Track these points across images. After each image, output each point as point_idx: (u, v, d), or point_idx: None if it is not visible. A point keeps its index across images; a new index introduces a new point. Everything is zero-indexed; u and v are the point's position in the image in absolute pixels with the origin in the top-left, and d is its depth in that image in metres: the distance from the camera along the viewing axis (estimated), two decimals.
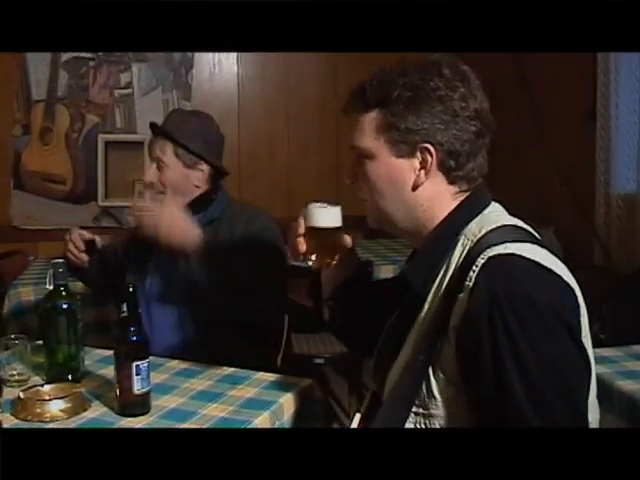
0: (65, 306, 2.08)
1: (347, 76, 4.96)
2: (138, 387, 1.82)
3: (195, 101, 5.13)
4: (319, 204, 1.72)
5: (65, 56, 5.07)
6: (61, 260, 2.11)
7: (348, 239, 1.76)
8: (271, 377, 2.11)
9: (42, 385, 2.01)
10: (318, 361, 3.63)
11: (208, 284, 2.38)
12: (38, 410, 1.85)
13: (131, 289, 1.83)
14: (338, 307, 1.86)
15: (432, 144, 1.47)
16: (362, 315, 1.84)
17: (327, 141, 5.18)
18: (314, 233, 1.72)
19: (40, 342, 2.20)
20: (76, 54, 5.06)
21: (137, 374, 1.82)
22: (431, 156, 1.48)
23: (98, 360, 2.29)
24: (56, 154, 5.13)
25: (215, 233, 2.56)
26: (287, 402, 1.95)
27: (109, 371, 2.14)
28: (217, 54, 5.20)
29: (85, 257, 2.60)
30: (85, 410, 1.87)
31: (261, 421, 1.82)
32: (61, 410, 1.85)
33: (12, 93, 5.12)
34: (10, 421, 1.81)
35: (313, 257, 1.73)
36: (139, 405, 1.83)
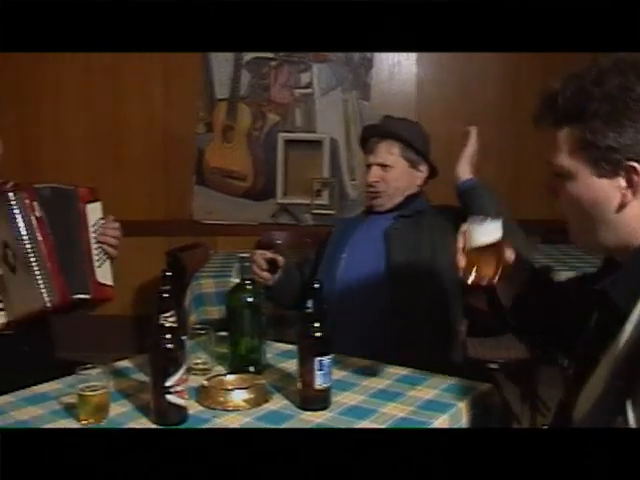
0: (250, 300, 2.13)
1: (529, 77, 4.85)
2: (319, 382, 1.84)
3: (374, 101, 5.15)
4: (480, 218, 1.69)
5: (247, 56, 5.20)
6: (247, 255, 2.16)
7: (509, 253, 1.71)
8: (450, 380, 2.08)
9: (225, 375, 2.06)
10: (492, 366, 3.56)
11: (411, 280, 2.49)
12: (221, 399, 1.89)
13: (316, 285, 1.85)
14: (520, 312, 1.82)
15: (638, 162, 1.34)
16: (546, 317, 1.79)
17: (506, 144, 5.07)
18: (473, 249, 1.68)
19: (224, 333, 2.27)
20: (258, 54, 5.18)
21: (319, 369, 1.83)
22: (637, 175, 1.34)
23: (278, 353, 2.34)
24: (237, 151, 5.27)
25: (413, 223, 2.65)
26: (465, 405, 1.92)
27: (289, 365, 2.18)
28: (397, 54, 5.19)
29: (268, 275, 2.67)
30: (266, 402, 1.90)
31: (440, 423, 1.80)
32: (244, 400, 1.89)
33: (196, 92, 5.31)
34: (194, 408, 1.87)
35: (473, 274, 1.69)
36: (319, 400, 1.84)
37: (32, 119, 5.23)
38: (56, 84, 5.22)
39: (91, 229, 2.55)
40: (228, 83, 5.29)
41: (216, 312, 3.72)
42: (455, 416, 1.86)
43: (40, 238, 2.36)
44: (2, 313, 2.40)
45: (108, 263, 2.60)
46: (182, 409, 1.78)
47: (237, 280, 2.16)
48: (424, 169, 2.75)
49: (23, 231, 2.35)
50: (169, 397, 1.74)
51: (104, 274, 2.57)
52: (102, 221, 2.59)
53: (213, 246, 4.98)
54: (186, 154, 5.30)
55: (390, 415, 1.83)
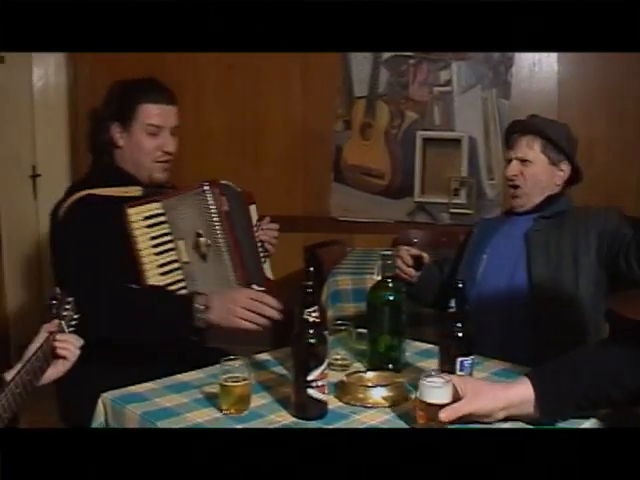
0: (391, 297, 2.12)
1: None
2: None
3: (514, 100, 5.05)
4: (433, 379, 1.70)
5: (386, 54, 5.19)
6: (390, 252, 2.15)
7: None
8: None
9: (365, 372, 2.07)
10: None
11: (552, 282, 2.48)
12: (361, 395, 1.90)
13: (460, 285, 1.84)
14: None
15: None
16: None
17: None
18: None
19: (362, 330, 2.27)
20: (397, 52, 5.16)
21: (461, 370, 1.82)
22: None
23: (417, 352, 2.33)
24: (375, 149, 5.28)
25: (555, 225, 2.62)
26: (602, 414, 1.85)
27: (428, 364, 2.17)
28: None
29: (412, 272, 2.70)
30: (406, 400, 1.89)
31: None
32: (383, 397, 1.89)
33: (334, 90, 5.34)
34: (333, 403, 1.88)
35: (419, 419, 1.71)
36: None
37: None
38: (197, 81, 5.36)
39: (254, 227, 2.73)
40: (367, 81, 5.29)
41: (352, 309, 3.74)
42: (592, 424, 1.79)
43: (229, 231, 2.50)
44: None
45: (267, 260, 2.78)
46: (322, 404, 1.80)
47: (379, 277, 2.15)
48: (566, 169, 2.70)
49: (217, 222, 2.48)
50: (310, 391, 1.76)
51: (267, 269, 2.77)
52: (259, 222, 2.76)
53: (350, 243, 5.00)
54: (324, 151, 5.34)
55: None
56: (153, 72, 2.69)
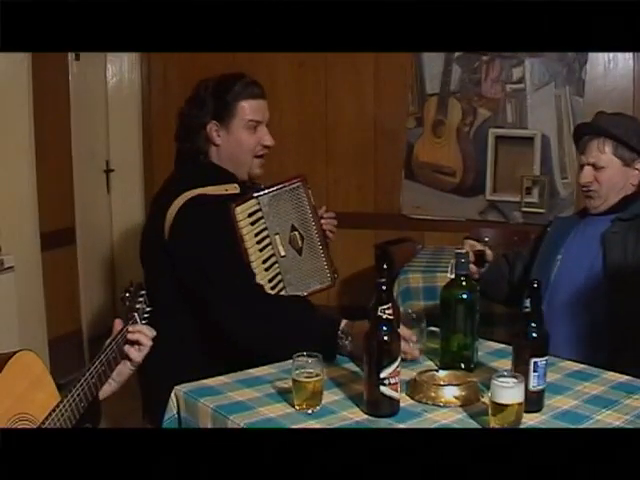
0: (464, 296, 2.12)
1: None
2: (534, 384, 1.81)
3: (588, 97, 4.96)
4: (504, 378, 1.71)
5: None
6: (464, 251, 2.15)
7: None
8: None
9: (437, 370, 2.07)
10: None
11: (631, 286, 2.44)
12: (433, 394, 1.90)
13: (535, 285, 1.82)
14: None
15: None
16: None
17: None
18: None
19: (434, 329, 2.27)
20: None
21: (534, 371, 1.80)
22: None
23: (489, 352, 2.31)
24: (447, 147, 5.25)
25: (633, 227, 2.56)
26: None
27: (500, 364, 2.15)
28: None
29: (474, 268, 2.69)
30: (478, 400, 1.89)
31: None
32: (455, 397, 1.88)
33: (407, 87, 5.32)
34: (405, 401, 1.88)
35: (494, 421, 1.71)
36: (533, 402, 1.80)
37: None
38: (270, 79, 5.38)
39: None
40: (439, 78, 5.26)
41: (422, 307, 3.73)
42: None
43: (318, 224, 2.64)
44: (283, 292, 2.58)
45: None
46: (394, 401, 1.80)
47: (452, 276, 2.14)
48: None
49: (311, 216, 2.62)
50: (383, 389, 1.77)
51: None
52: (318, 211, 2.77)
53: (420, 241, 4.98)
54: (396, 148, 5.33)
55: (605, 423, 1.77)
56: (226, 71, 2.72)
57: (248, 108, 2.56)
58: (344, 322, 2.23)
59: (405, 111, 5.33)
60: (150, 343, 1.96)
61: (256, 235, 2.51)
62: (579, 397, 1.94)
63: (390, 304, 1.79)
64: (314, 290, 2.67)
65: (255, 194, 2.54)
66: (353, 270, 5.03)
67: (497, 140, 5.13)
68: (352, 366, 2.17)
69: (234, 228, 2.45)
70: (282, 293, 2.56)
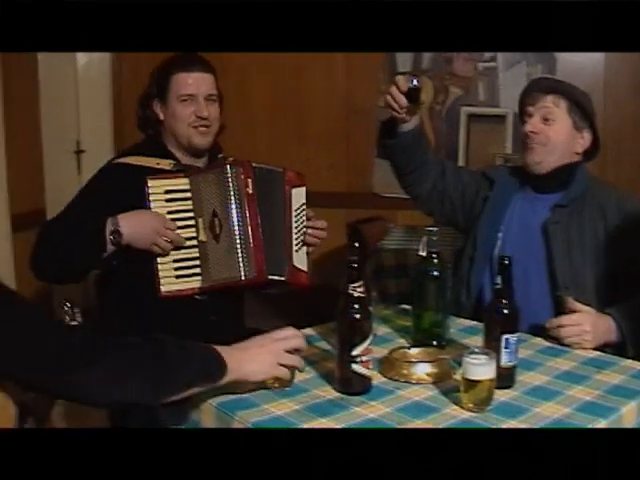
0: (436, 273, 2.11)
1: None
2: (505, 360, 1.82)
3: (559, 75, 4.96)
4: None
5: None
6: (435, 229, 2.13)
7: None
8: (638, 365, 2.01)
9: (409, 348, 2.07)
10: None
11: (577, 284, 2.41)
12: (405, 371, 1.90)
13: (506, 262, 1.82)
14: None
15: None
16: None
17: None
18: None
19: (406, 306, 2.27)
20: None
21: (506, 347, 1.81)
22: None
23: (461, 329, 2.32)
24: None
25: (574, 214, 2.50)
26: None
27: (472, 341, 2.17)
28: None
29: (404, 102, 2.49)
30: (450, 377, 1.89)
31: (628, 410, 1.73)
32: (427, 374, 1.89)
33: (378, 65, 5.30)
34: (377, 379, 1.89)
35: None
36: (504, 378, 1.81)
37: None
38: (241, 57, 5.34)
39: (294, 213, 2.62)
40: (411, 56, 5.25)
41: (394, 286, 3.74)
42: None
43: (248, 214, 2.45)
44: (198, 278, 2.50)
45: (305, 249, 2.66)
46: (366, 379, 1.81)
47: (423, 253, 2.13)
48: (587, 137, 2.56)
49: (233, 203, 2.45)
50: (354, 366, 1.77)
51: (300, 259, 2.62)
52: (304, 206, 2.66)
53: (393, 220, 4.97)
54: (367, 127, 5.28)
55: (576, 398, 1.78)
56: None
57: (181, 81, 2.58)
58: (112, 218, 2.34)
59: (376, 89, 5.31)
60: None
61: (170, 213, 2.47)
62: (550, 373, 1.96)
63: (361, 282, 1.78)
64: (221, 281, 2.48)
65: (182, 173, 2.53)
66: (325, 249, 5.02)
67: (469, 118, 5.12)
68: (324, 344, 2.18)
69: (145, 200, 2.46)
70: (195, 279, 2.51)
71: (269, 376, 1.78)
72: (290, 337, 1.83)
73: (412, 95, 2.45)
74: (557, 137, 2.53)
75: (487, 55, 5.09)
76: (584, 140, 2.56)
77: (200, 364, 1.66)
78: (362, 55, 5.21)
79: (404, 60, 5.24)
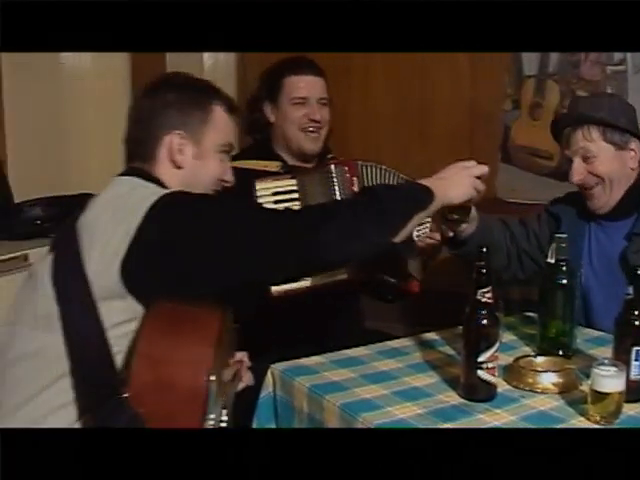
0: (564, 281, 2.08)
1: None
2: (635, 373, 1.77)
3: None
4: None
5: None
6: (564, 235, 2.09)
7: None
8: None
9: (535, 356, 2.04)
10: None
11: None
12: (530, 380, 1.88)
13: (639, 272, 1.78)
14: None
15: None
16: None
17: None
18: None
19: (531, 314, 2.24)
20: None
21: (636, 360, 1.77)
22: None
23: (588, 339, 2.27)
24: (544, 130, 5.06)
25: None
26: None
27: (599, 352, 2.11)
28: None
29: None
30: (576, 388, 1.86)
31: None
32: (553, 384, 1.86)
33: (503, 69, 5.24)
34: (502, 386, 1.87)
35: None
36: (634, 391, 1.76)
37: (343, 96, 5.41)
38: (365, 62, 5.37)
39: None
40: (537, 59, 5.16)
41: (517, 292, 3.68)
42: None
43: None
44: (307, 278, 2.46)
45: (419, 258, 2.57)
46: (492, 386, 1.80)
47: (552, 260, 2.10)
48: (636, 147, 2.38)
49: None
50: (480, 373, 1.76)
51: (414, 266, 2.56)
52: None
53: None
54: (492, 131, 5.24)
55: None
56: (319, 57, 2.76)
57: (293, 84, 2.63)
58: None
59: (502, 93, 5.25)
60: None
61: None
62: None
63: (490, 287, 1.77)
64: (328, 279, 2.40)
65: (289, 175, 2.50)
66: (447, 253, 5.00)
67: None
68: (448, 349, 2.17)
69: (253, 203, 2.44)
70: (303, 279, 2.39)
71: (469, 197, 2.00)
72: (475, 165, 2.04)
73: (451, 226, 2.35)
74: (606, 169, 2.37)
75: (616, 58, 4.95)
76: (635, 152, 2.39)
77: (411, 195, 1.90)
78: (487, 57, 5.15)
79: (530, 64, 5.17)
